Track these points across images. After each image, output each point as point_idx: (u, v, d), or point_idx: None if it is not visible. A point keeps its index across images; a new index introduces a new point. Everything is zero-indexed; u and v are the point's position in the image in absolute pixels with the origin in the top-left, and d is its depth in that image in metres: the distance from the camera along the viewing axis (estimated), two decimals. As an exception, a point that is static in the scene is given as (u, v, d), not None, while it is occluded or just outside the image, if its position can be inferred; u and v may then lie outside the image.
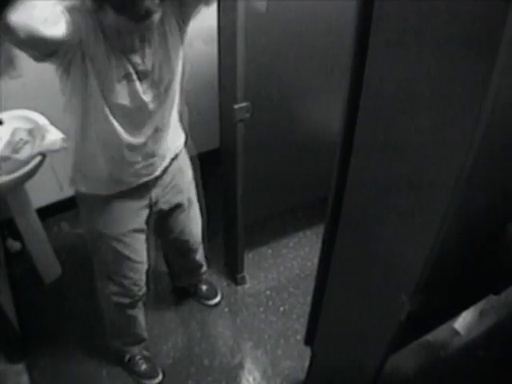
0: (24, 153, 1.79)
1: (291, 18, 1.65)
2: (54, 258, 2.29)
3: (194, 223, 1.87)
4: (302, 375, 1.92)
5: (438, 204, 0.84)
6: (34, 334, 2.10)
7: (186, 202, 1.75)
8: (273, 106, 1.85)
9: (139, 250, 1.67)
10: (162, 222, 1.78)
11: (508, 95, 0.72)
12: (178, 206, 1.73)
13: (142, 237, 1.67)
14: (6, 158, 1.77)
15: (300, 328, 2.15)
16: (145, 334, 1.97)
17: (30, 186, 1.99)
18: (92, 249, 1.68)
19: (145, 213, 1.63)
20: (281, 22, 1.64)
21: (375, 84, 0.93)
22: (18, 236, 2.20)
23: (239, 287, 2.34)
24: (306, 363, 1.79)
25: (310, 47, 1.76)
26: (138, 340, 1.96)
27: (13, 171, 1.74)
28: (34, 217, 2.13)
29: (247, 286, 2.35)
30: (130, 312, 1.81)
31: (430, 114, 0.81)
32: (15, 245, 2.37)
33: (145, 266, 1.73)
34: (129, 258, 1.64)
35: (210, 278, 2.31)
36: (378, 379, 1.29)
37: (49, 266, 2.28)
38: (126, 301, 1.75)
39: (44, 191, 2.34)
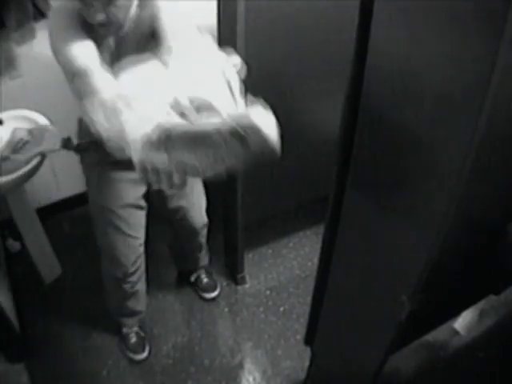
0: (24, 153, 1.79)
1: (291, 18, 1.64)
2: (54, 258, 2.29)
3: (195, 204, 1.87)
4: (302, 375, 1.92)
5: (439, 204, 0.84)
6: (34, 334, 2.10)
7: (188, 185, 1.76)
8: (273, 106, 1.85)
9: (134, 224, 1.71)
10: (164, 202, 1.80)
11: (509, 94, 0.72)
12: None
13: (140, 213, 1.72)
14: (5, 158, 1.77)
15: (300, 328, 2.15)
16: (140, 308, 2.02)
17: (29, 185, 1.99)
18: (93, 223, 1.73)
19: (141, 188, 1.67)
20: (281, 21, 1.64)
21: (375, 83, 0.93)
22: (18, 236, 2.21)
23: (239, 287, 2.34)
24: (306, 363, 1.80)
25: (311, 47, 1.76)
26: (134, 312, 2.01)
27: (13, 171, 1.74)
28: (34, 217, 2.13)
29: (247, 285, 2.35)
30: (125, 286, 1.86)
31: (430, 114, 0.81)
32: (15, 245, 2.37)
33: (138, 242, 1.77)
34: (123, 232, 1.69)
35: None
36: (377, 379, 1.29)
37: (49, 266, 2.28)
38: (119, 275, 1.80)
39: (44, 191, 2.35)
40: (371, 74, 0.92)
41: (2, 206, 2.00)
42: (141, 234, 1.76)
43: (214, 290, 2.27)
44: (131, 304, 1.96)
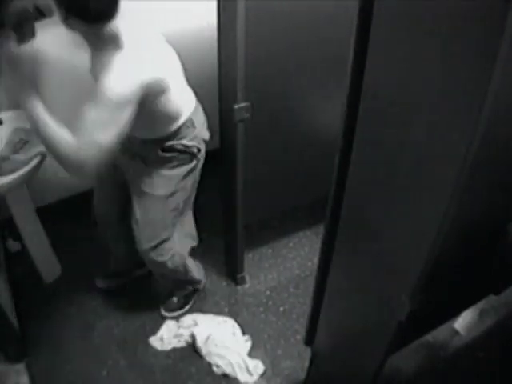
0: (24, 153, 1.79)
1: (291, 18, 1.65)
2: (54, 258, 2.29)
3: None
4: (302, 375, 1.92)
5: (438, 204, 0.84)
6: (34, 334, 2.10)
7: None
8: (273, 106, 1.85)
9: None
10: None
11: (508, 95, 0.72)
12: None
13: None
14: (5, 158, 1.77)
15: (300, 328, 2.15)
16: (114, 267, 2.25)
17: (30, 185, 1.99)
18: None
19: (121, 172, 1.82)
20: (281, 21, 1.64)
21: (375, 84, 0.93)
22: (18, 236, 2.21)
23: (239, 287, 2.34)
24: (306, 363, 1.79)
25: (311, 47, 1.77)
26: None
27: (13, 171, 1.74)
28: (34, 217, 2.13)
29: (247, 285, 2.35)
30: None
31: (430, 114, 0.81)
32: (15, 245, 2.37)
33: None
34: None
35: (210, 278, 2.32)
36: (378, 379, 1.29)
37: (49, 265, 2.28)
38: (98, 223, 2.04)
39: (44, 191, 2.34)
40: (371, 77, 0.92)
41: (2, 206, 2.00)
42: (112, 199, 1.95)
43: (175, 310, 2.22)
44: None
